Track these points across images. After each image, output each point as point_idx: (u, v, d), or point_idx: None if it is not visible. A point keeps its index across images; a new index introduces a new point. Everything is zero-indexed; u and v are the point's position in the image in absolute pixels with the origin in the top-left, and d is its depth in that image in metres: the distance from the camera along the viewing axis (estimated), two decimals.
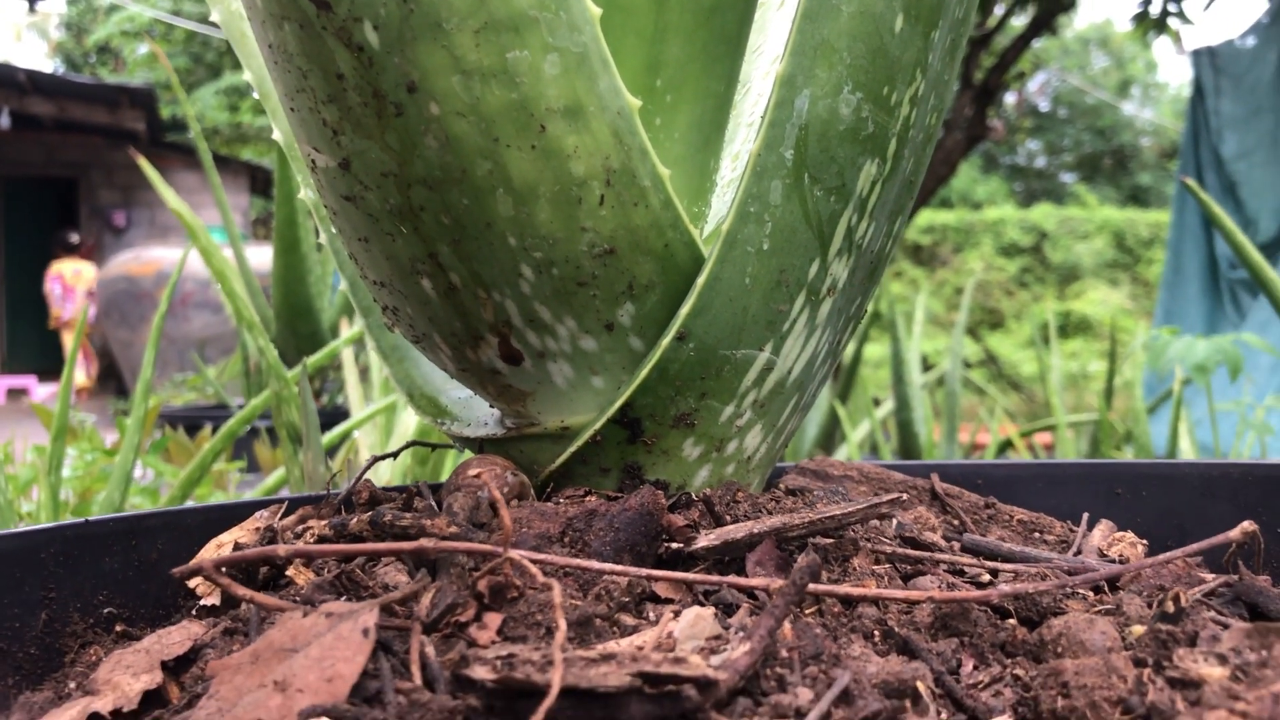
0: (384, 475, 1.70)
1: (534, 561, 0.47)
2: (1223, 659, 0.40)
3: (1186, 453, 2.64)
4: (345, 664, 0.41)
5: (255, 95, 0.80)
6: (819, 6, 0.53)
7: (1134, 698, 0.39)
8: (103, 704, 0.47)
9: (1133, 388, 2.98)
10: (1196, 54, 6.86)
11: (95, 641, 0.58)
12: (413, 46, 0.49)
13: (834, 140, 0.54)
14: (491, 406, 0.67)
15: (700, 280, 0.55)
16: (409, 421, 1.74)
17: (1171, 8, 7.03)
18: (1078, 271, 14.76)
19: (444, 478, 1.73)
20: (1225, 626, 0.44)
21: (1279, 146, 6.43)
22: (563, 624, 0.39)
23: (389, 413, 2.00)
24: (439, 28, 0.48)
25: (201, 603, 0.59)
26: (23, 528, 0.59)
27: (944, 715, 0.41)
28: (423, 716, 0.38)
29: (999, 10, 5.28)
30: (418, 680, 0.42)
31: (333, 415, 2.98)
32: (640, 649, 0.42)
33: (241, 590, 0.45)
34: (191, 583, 0.61)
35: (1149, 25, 7.14)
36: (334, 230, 0.77)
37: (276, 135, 0.79)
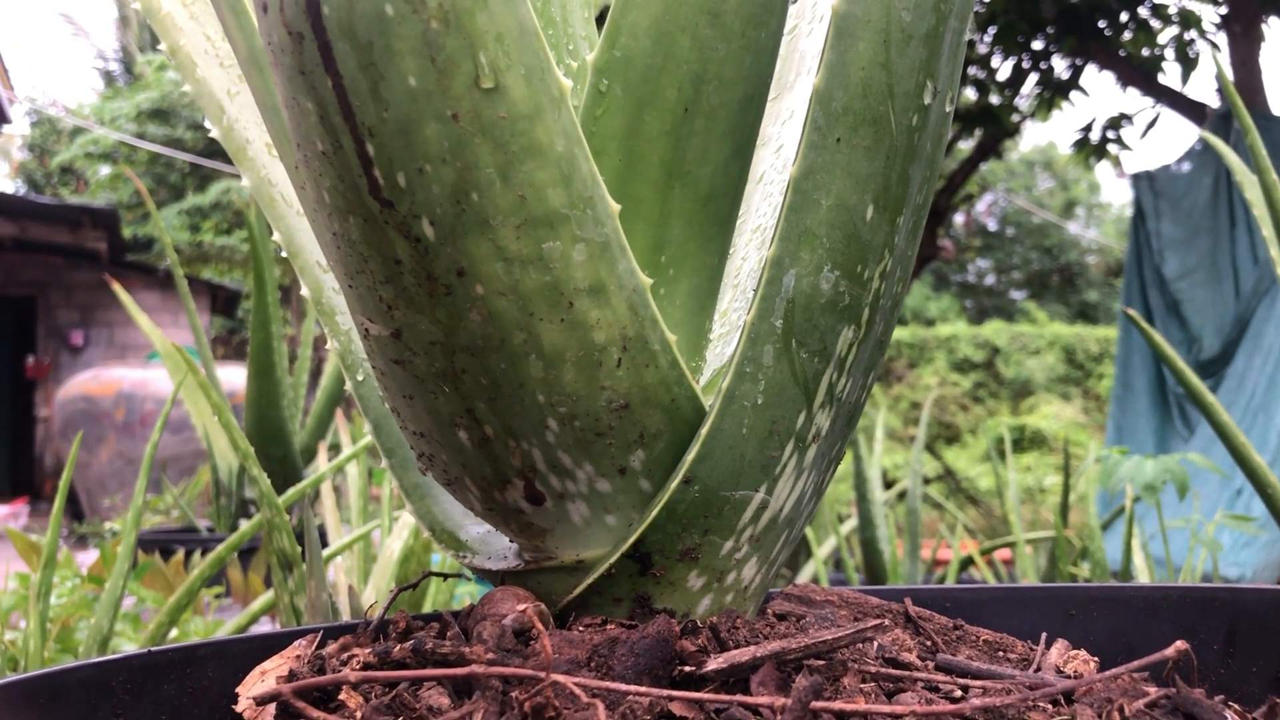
0: (369, 600, 1.74)
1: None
2: None
3: (1141, 569, 2.72)
4: None
5: (284, 254, 0.88)
6: (802, 200, 0.62)
7: None
8: None
9: (1088, 503, 3.07)
10: (1136, 178, 7.14)
11: None
12: (463, 239, 0.57)
13: (816, 311, 0.63)
14: (511, 541, 0.74)
15: (704, 430, 0.63)
16: (394, 546, 1.79)
17: (1110, 134, 7.36)
18: (1030, 386, 15.05)
19: (427, 607, 1.78)
20: None
21: (1218, 266, 6.65)
22: None
23: (366, 540, 2.05)
24: (486, 224, 0.57)
25: None
26: (97, 659, 0.65)
27: None
28: None
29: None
30: None
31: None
32: None
33: (315, 713, 0.52)
34: (239, 707, 0.67)
35: (1090, 151, 7.46)
36: (360, 379, 0.84)
37: (305, 291, 0.87)
